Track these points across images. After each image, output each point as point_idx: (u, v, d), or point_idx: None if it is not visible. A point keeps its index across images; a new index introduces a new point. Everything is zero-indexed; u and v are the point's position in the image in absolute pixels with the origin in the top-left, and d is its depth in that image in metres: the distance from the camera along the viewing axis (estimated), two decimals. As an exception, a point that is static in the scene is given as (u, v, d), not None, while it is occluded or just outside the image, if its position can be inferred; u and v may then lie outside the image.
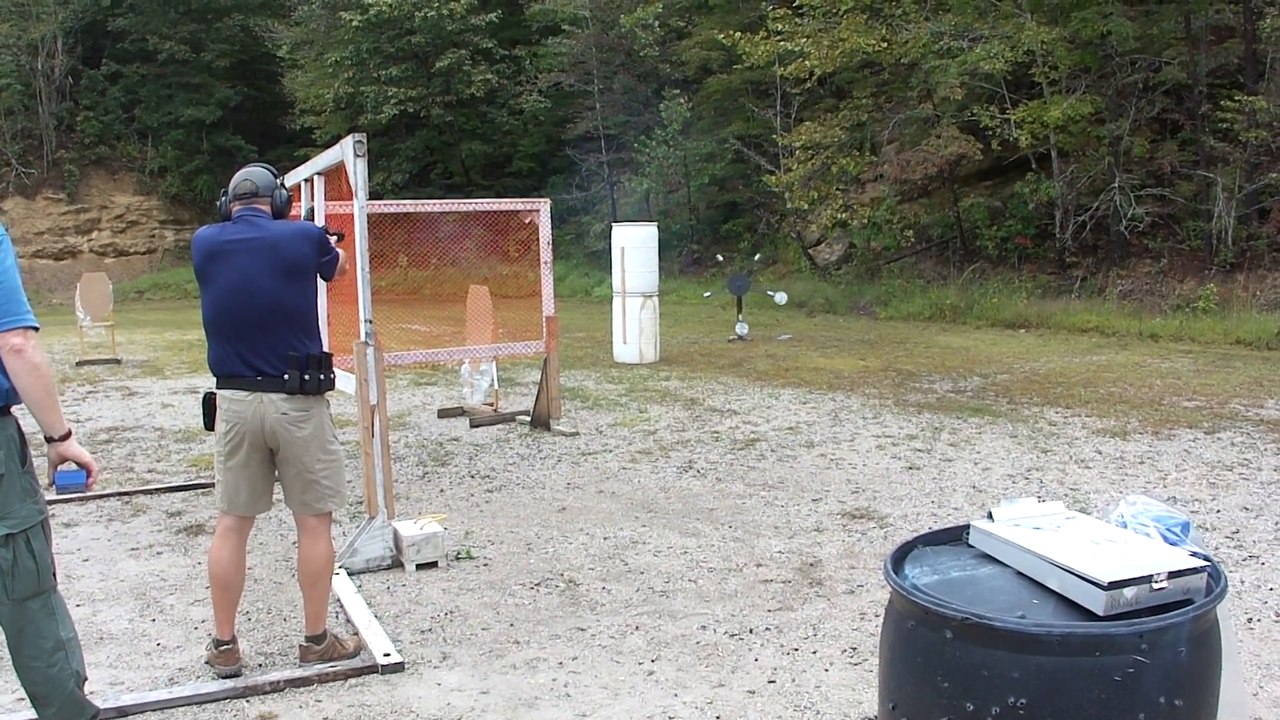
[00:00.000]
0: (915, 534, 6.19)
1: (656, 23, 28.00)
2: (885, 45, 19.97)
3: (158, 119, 40.31)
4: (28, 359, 3.39)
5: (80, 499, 8.02)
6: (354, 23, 31.35)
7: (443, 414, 10.95)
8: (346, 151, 6.15)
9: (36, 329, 3.51)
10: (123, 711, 4.41)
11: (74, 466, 3.69)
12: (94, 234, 40.20)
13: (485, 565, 6.12)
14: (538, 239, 9.94)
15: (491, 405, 10.74)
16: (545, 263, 9.83)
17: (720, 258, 24.23)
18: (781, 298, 19.24)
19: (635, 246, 14.50)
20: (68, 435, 3.60)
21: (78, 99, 40.89)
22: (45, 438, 3.58)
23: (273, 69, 38.09)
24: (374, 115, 31.85)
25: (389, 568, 6.05)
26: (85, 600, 5.80)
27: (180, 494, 8.17)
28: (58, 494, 3.96)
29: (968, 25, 19.15)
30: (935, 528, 6.33)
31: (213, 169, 40.35)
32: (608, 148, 30.26)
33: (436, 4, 30.79)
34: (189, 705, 4.45)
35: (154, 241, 40.67)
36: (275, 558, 6.41)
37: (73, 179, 40.18)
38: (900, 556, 3.03)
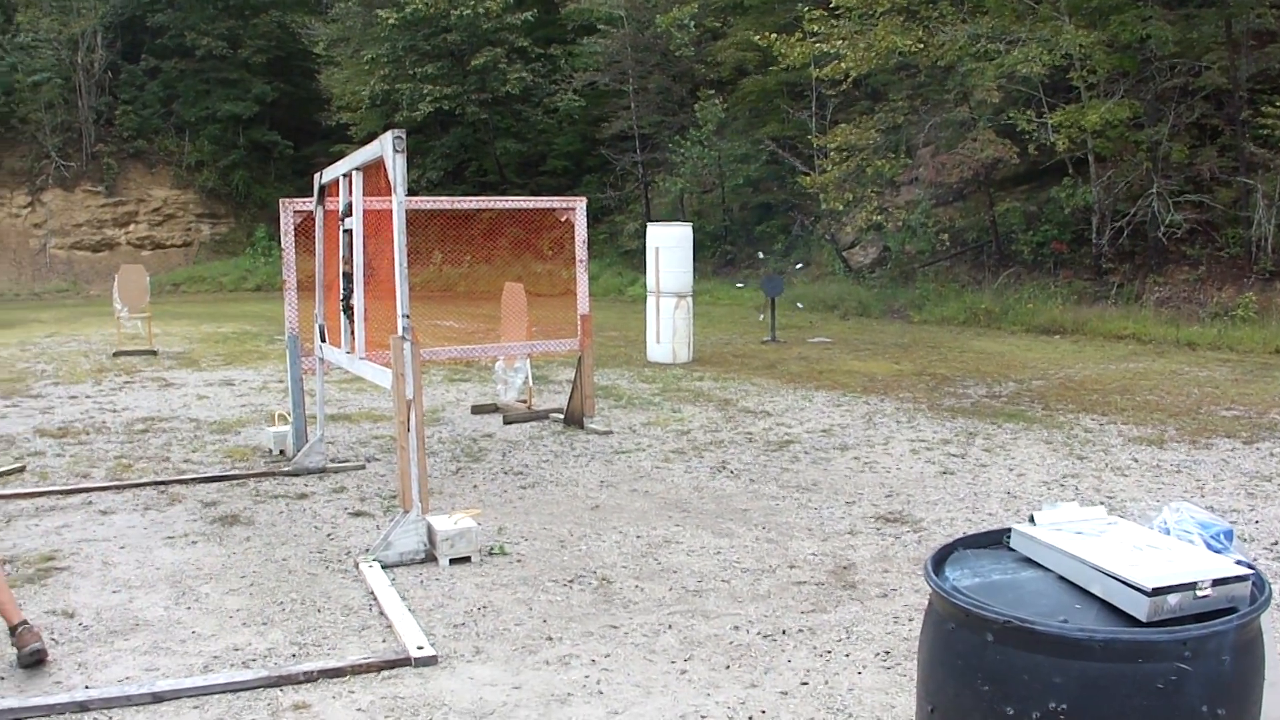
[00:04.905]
0: (950, 539, 6.19)
1: (692, 23, 27.96)
2: (922, 47, 19.85)
3: (195, 114, 40.57)
4: None
5: (118, 487, 8.10)
6: (390, 20, 31.43)
7: (476, 410, 10.98)
8: (386, 147, 6.16)
9: None
10: (159, 697, 4.44)
11: None
12: (131, 227, 40.50)
13: (518, 561, 6.13)
14: (572, 237, 9.94)
15: (525, 402, 10.75)
16: (580, 261, 9.83)
17: (761, 254, 24.17)
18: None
19: (670, 246, 14.48)
20: None
21: (116, 93, 41.24)
22: None
23: (309, 65, 38.26)
24: (409, 112, 31.91)
25: (422, 561, 6.06)
26: (122, 587, 5.84)
27: (216, 484, 8.21)
28: None
29: (1005, 28, 19.04)
30: (970, 533, 6.31)
31: (249, 164, 40.61)
32: (642, 147, 30.25)
33: (472, 2, 30.82)
34: (224, 693, 4.47)
35: (190, 235, 40.95)
36: (309, 549, 6.43)
37: (111, 172, 40.50)
38: (940, 558, 3.01)
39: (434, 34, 32.08)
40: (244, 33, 39.96)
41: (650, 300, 14.76)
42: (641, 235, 20.36)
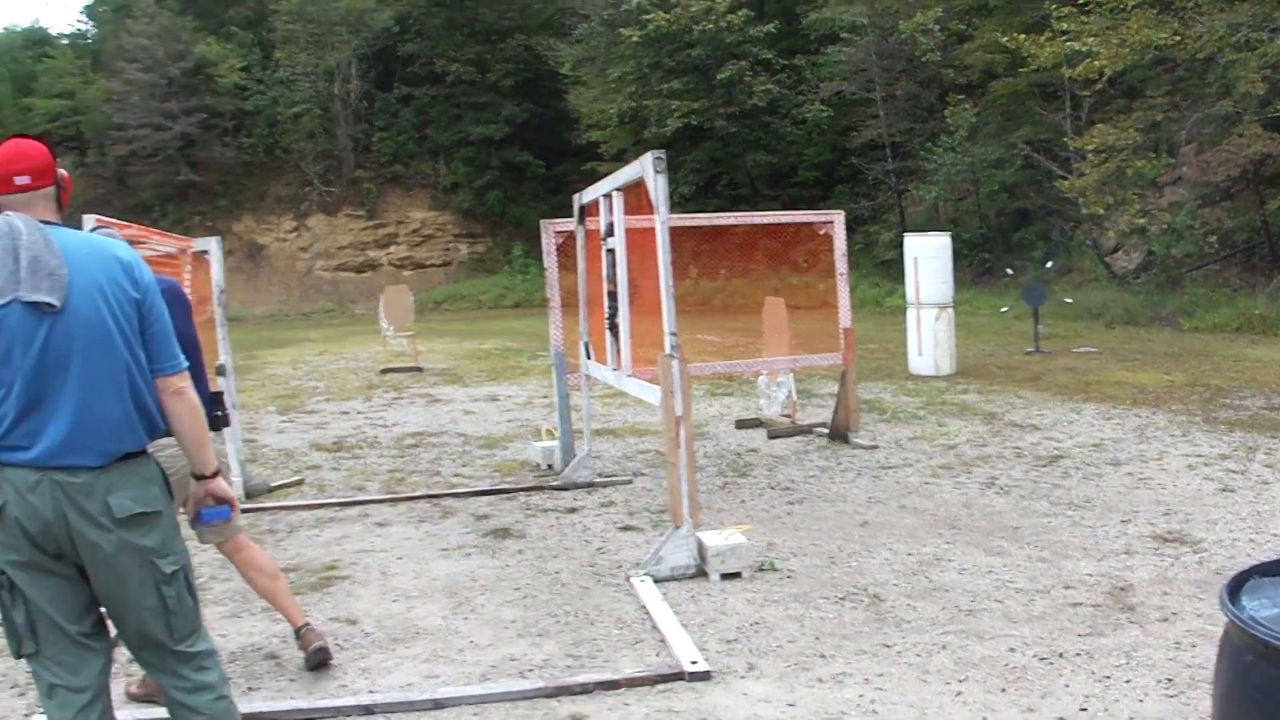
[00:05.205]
0: (1233, 561, 5.91)
1: (937, 27, 27.50)
2: (1178, 40, 18.98)
3: (448, 138, 42.03)
4: (189, 399, 3.47)
5: (392, 500, 8.45)
6: (634, 38, 31.93)
7: (740, 425, 10.98)
8: (646, 168, 6.27)
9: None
10: (440, 703, 4.59)
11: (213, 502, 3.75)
12: (392, 248, 42.24)
13: (789, 577, 6.10)
14: (826, 249, 9.89)
15: (789, 417, 10.71)
16: (841, 275, 9.76)
17: (1010, 271, 23.55)
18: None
19: (928, 257, 14.22)
20: (217, 473, 3.67)
21: (372, 121, 43.17)
22: (195, 475, 3.62)
23: (557, 86, 39.15)
24: (658, 128, 32.32)
25: (693, 576, 6.09)
26: (400, 596, 6.08)
27: (486, 498, 8.47)
28: (202, 528, 4.07)
29: (1267, 15, 18.07)
30: (1254, 555, 6.03)
31: (503, 184, 41.81)
32: (893, 155, 29.91)
33: (714, 17, 31.06)
34: (502, 701, 4.58)
35: (449, 254, 42.42)
36: (580, 563, 6.57)
37: (371, 196, 42.39)
38: (1236, 586, 2.88)
39: (678, 50, 32.44)
40: (491, 57, 41.22)
41: (910, 312, 14.54)
42: (897, 245, 20.10)
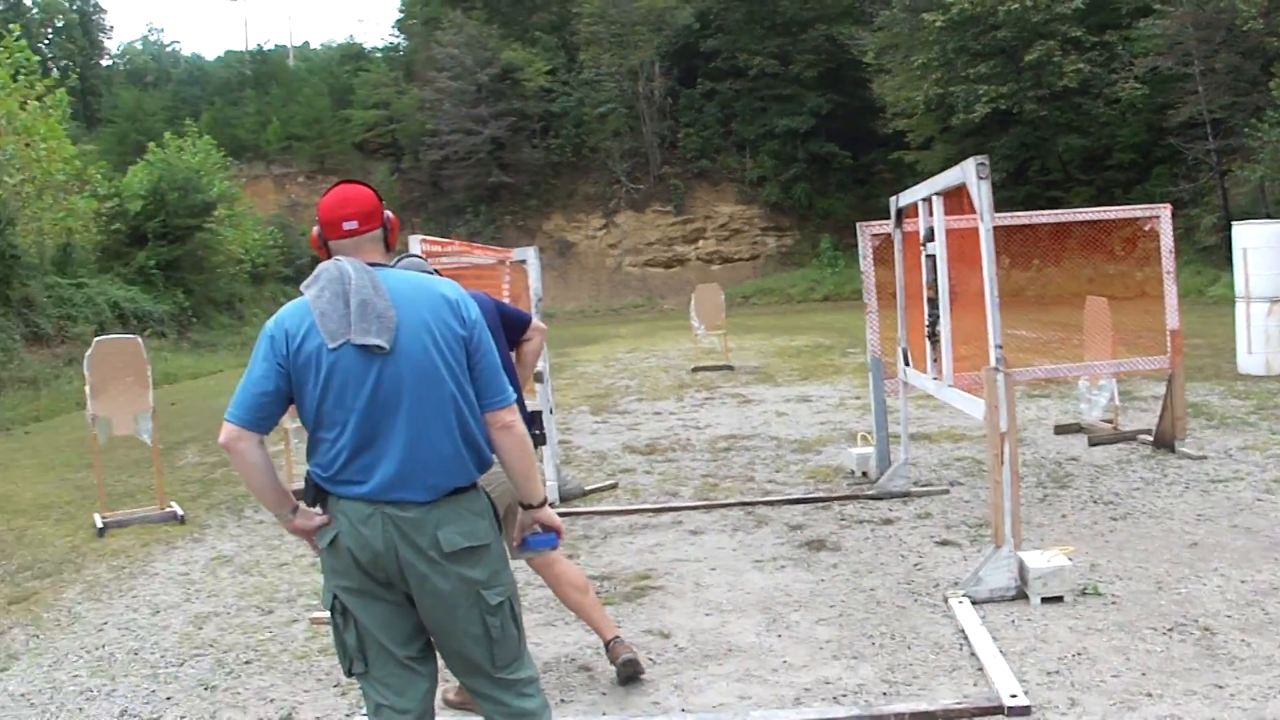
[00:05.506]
0: None
1: (1258, -9, 25.80)
2: None
3: (753, 131, 42.42)
4: (517, 434, 3.51)
5: (706, 507, 8.49)
6: (937, 23, 31.37)
7: (1059, 430, 10.56)
8: (969, 174, 6.13)
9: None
10: (751, 729, 4.57)
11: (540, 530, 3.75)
12: (700, 243, 42.94)
13: (1113, 603, 5.76)
14: (1145, 236, 9.43)
15: (1110, 422, 10.24)
16: (1168, 273, 9.24)
17: None
18: None
19: (1259, 246, 13.25)
20: (544, 502, 3.68)
21: (677, 117, 44.10)
22: (524, 505, 3.65)
23: (860, 75, 38.90)
24: (965, 115, 31.69)
25: (1012, 599, 5.86)
26: (714, 610, 6.07)
27: (800, 506, 8.38)
28: (526, 555, 4.12)
29: None
30: None
31: (809, 176, 41.88)
32: (1214, 133, 28.29)
33: (1019, -5, 30.16)
34: (815, 727, 4.50)
35: (756, 248, 42.81)
36: (897, 579, 6.42)
37: (678, 192, 43.24)
38: None
39: (983, 32, 31.73)
40: (793, 49, 41.41)
41: (1239, 306, 13.60)
42: (1220, 229, 18.96)
